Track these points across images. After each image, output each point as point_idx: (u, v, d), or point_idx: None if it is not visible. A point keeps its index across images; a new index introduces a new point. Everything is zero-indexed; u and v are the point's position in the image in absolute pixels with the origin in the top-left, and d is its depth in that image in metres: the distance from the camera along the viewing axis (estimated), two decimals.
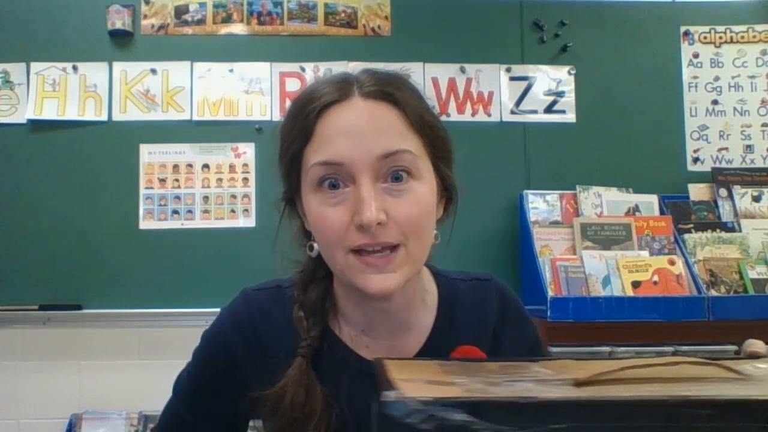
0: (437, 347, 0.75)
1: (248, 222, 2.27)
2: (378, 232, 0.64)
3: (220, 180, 2.28)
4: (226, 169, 2.29)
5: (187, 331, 2.15)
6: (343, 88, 0.68)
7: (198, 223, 2.26)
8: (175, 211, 2.26)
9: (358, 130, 0.65)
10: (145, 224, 2.25)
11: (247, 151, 2.29)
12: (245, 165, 2.29)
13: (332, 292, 0.78)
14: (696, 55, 2.49)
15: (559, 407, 0.41)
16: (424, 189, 0.67)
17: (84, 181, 2.24)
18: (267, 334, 0.77)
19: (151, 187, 2.27)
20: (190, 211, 2.26)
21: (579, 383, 0.46)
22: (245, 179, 2.29)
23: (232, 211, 2.27)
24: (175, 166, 2.28)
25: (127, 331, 2.18)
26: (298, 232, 0.78)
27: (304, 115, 0.68)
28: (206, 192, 2.28)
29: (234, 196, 2.28)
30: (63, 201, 2.22)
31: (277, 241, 0.79)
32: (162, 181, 2.27)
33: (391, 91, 0.67)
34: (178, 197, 2.27)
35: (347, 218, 0.65)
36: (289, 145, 0.70)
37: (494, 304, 0.82)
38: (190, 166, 2.28)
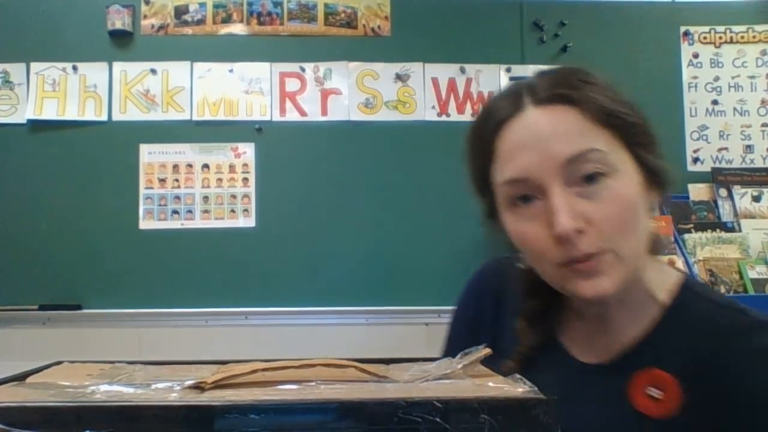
0: (635, 362, 0.68)
1: (248, 222, 2.27)
2: (579, 240, 0.61)
3: (220, 180, 2.28)
4: (226, 169, 2.29)
5: (187, 331, 2.17)
6: (514, 100, 0.66)
7: (198, 223, 2.26)
8: (175, 211, 2.26)
9: (536, 140, 0.63)
10: (144, 224, 2.25)
11: (247, 151, 2.29)
12: (245, 165, 2.29)
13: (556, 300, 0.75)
14: (696, 55, 2.49)
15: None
16: (622, 184, 0.63)
17: (84, 181, 2.24)
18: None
19: (151, 187, 2.27)
20: (190, 211, 2.26)
21: (203, 386, 0.47)
22: (245, 179, 2.29)
23: (232, 211, 2.27)
24: (175, 166, 2.28)
25: (127, 331, 2.18)
26: (506, 246, 0.74)
27: (482, 136, 0.67)
28: (206, 192, 2.28)
29: (234, 196, 2.28)
30: (63, 201, 2.22)
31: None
32: (162, 181, 2.27)
33: (564, 92, 0.64)
34: (178, 197, 2.27)
35: (545, 231, 0.63)
36: (475, 168, 0.70)
37: (739, 350, 0.65)
38: (190, 166, 2.28)
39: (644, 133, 0.67)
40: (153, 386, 0.51)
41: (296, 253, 2.26)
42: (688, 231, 2.22)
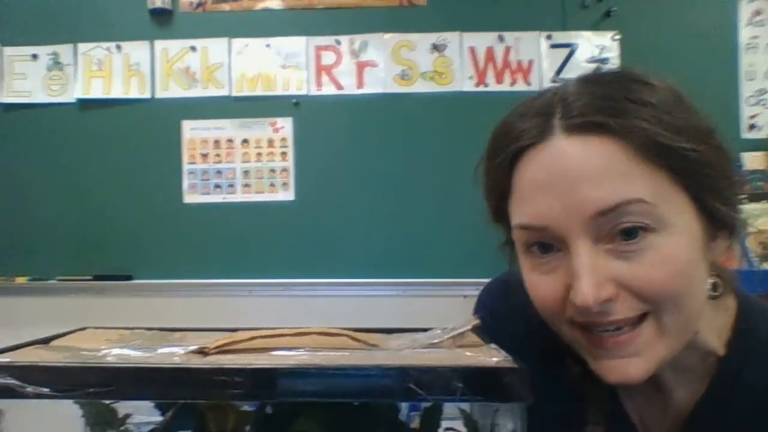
0: (701, 427, 0.58)
1: (287, 195, 2.31)
2: (609, 309, 0.49)
3: (259, 155, 2.33)
4: (265, 143, 2.33)
5: (232, 301, 2.24)
6: (542, 122, 0.51)
7: (239, 196, 2.32)
8: (217, 186, 2.33)
9: (561, 181, 0.49)
10: (189, 198, 2.32)
11: (285, 125, 2.33)
12: (283, 139, 2.33)
13: None
14: (757, 13, 2.34)
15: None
16: (673, 243, 0.49)
17: (130, 157, 2.32)
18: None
19: (194, 162, 2.33)
20: (231, 185, 2.32)
21: (206, 351, 0.49)
22: (283, 153, 2.32)
23: (272, 185, 2.32)
24: (216, 142, 2.34)
25: (175, 300, 2.27)
26: None
27: (498, 164, 0.54)
28: (246, 166, 2.33)
29: (273, 170, 2.32)
30: (111, 177, 2.32)
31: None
32: (204, 156, 2.33)
33: (604, 120, 0.48)
34: (219, 172, 2.33)
35: (562, 290, 0.51)
36: (489, 195, 0.58)
37: None
38: (230, 141, 2.34)
39: (715, 175, 0.51)
40: (159, 350, 0.54)
41: (335, 225, 2.29)
42: (742, 202, 2.13)
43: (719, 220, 0.52)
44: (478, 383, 0.41)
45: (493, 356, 0.44)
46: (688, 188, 0.49)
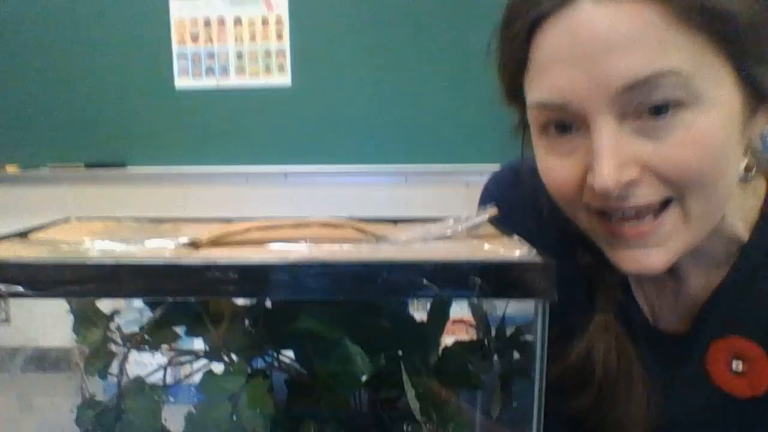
0: (712, 328, 0.56)
1: (284, 79, 2.21)
2: (630, 193, 0.45)
3: (253, 36, 2.19)
4: (259, 23, 2.19)
5: (229, 190, 2.22)
6: None
7: (233, 81, 2.21)
8: (210, 69, 2.21)
9: (586, 51, 0.43)
10: (180, 82, 2.22)
11: (280, 3, 2.17)
12: (278, 19, 2.18)
13: None
14: None
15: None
16: (707, 120, 0.43)
17: (118, 39, 2.20)
18: None
19: (184, 44, 2.20)
20: (224, 69, 2.21)
21: (198, 244, 0.45)
22: (279, 35, 2.18)
23: (267, 68, 2.20)
24: (206, 21, 2.19)
25: (171, 189, 2.24)
26: None
27: (515, 34, 0.48)
28: (240, 48, 2.20)
29: (268, 53, 2.20)
30: (99, 60, 2.21)
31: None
32: (194, 37, 2.19)
33: None
34: (211, 54, 2.21)
35: (580, 173, 0.47)
36: (503, 71, 0.52)
37: None
38: (221, 20, 2.19)
39: (763, 40, 0.44)
40: (147, 243, 0.49)
41: (333, 110, 2.21)
42: None
43: (763, 92, 0.46)
44: (499, 279, 0.37)
45: (515, 249, 0.39)
46: (731, 56, 0.43)
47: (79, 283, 0.41)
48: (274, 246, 0.45)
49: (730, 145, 0.45)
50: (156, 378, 0.50)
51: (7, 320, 0.47)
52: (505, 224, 0.50)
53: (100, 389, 0.51)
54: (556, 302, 0.38)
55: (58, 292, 0.40)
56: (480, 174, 2.17)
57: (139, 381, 0.47)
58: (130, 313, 0.55)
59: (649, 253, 0.47)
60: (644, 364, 0.56)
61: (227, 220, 0.60)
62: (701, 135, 0.43)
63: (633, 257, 0.48)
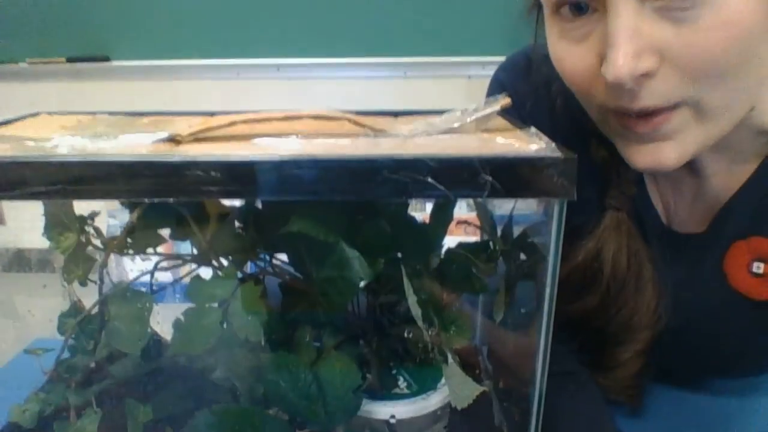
0: (733, 228, 0.52)
1: None
2: (642, 88, 0.41)
3: None
4: None
5: (220, 84, 2.13)
6: None
7: None
8: None
9: None
10: None
11: None
12: None
13: None
14: None
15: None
16: (737, 1, 0.38)
17: None
18: None
19: None
20: None
21: (179, 139, 0.41)
22: None
23: None
24: None
25: (159, 84, 2.16)
26: None
27: None
28: None
29: None
30: None
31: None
32: None
33: None
34: None
35: (594, 61, 0.43)
36: None
37: None
38: None
39: None
40: (121, 139, 0.45)
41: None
42: None
43: None
44: (515, 176, 0.33)
45: (531, 143, 0.35)
46: None
47: (45, 183, 0.37)
48: (262, 141, 0.41)
49: (755, 31, 0.40)
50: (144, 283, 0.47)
51: None
52: (513, 115, 0.46)
53: (90, 295, 0.48)
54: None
55: (20, 194, 0.36)
56: (483, 66, 2.10)
57: (123, 286, 0.44)
58: (122, 215, 0.51)
59: (660, 148, 0.44)
60: (655, 265, 0.54)
61: (211, 114, 0.55)
62: (730, 17, 0.38)
63: (645, 152, 0.45)
